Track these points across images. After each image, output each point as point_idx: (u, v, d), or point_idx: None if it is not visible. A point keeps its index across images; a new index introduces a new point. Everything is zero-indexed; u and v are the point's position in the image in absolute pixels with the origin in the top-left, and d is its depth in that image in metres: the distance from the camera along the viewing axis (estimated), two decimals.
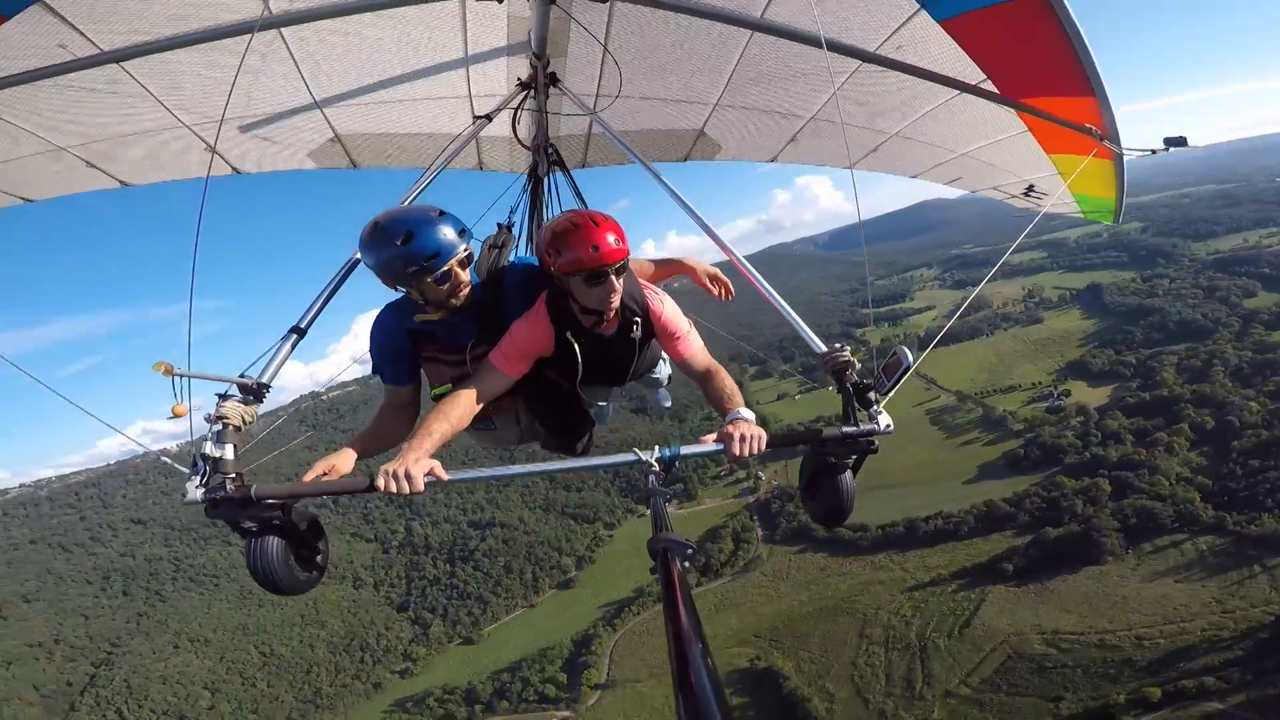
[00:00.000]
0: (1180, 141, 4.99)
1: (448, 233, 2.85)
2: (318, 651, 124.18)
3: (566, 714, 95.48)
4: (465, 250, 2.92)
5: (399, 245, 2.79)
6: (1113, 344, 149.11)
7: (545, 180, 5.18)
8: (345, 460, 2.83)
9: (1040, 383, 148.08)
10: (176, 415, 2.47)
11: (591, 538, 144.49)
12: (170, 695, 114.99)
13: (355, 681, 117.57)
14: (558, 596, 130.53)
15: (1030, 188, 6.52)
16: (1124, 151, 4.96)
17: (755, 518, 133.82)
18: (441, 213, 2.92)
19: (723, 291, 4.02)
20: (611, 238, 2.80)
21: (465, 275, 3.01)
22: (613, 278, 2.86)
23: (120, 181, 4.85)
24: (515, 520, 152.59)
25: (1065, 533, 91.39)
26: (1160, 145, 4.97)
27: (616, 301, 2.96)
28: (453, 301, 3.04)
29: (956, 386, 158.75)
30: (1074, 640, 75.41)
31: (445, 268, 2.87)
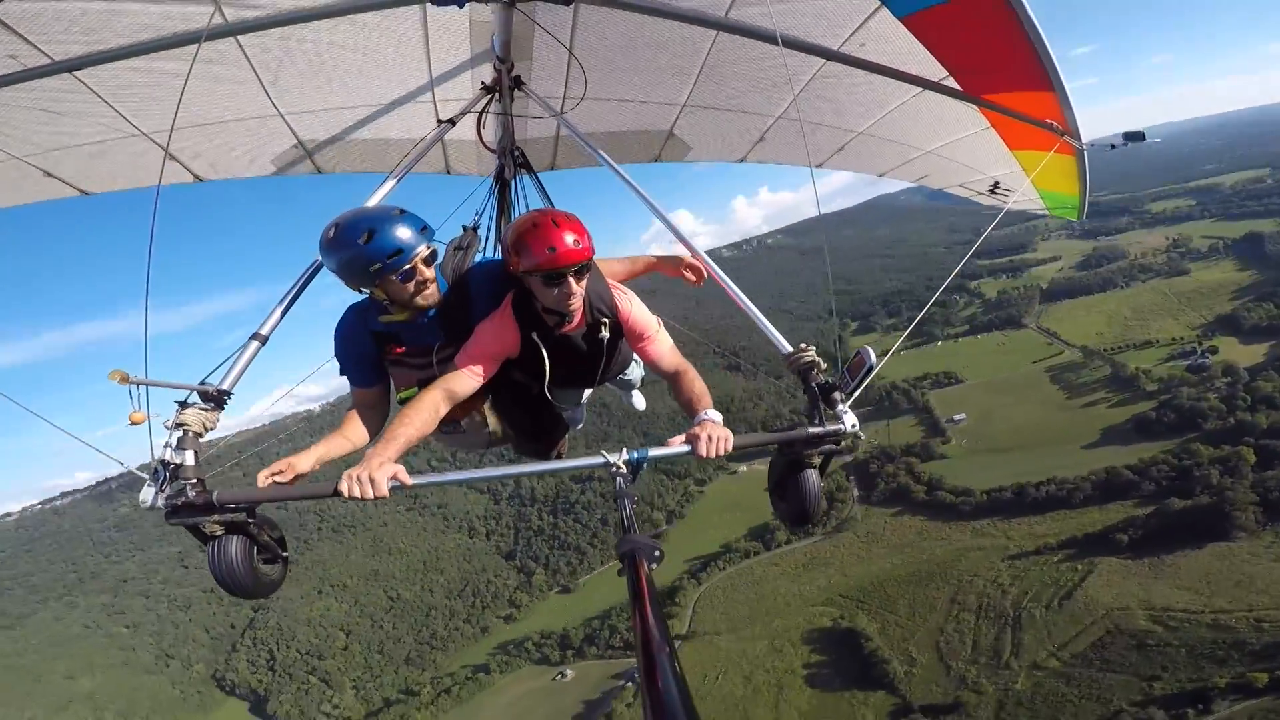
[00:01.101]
0: (1139, 136, 5.23)
1: (409, 230, 2.94)
2: (435, 596, 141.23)
3: None
4: (428, 248, 3.02)
5: (360, 244, 2.87)
6: (1272, 297, 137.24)
7: (512, 183, 5.28)
8: (304, 461, 2.93)
9: (1181, 339, 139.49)
10: (134, 423, 2.51)
11: (682, 493, 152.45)
12: (312, 637, 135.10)
13: (466, 625, 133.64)
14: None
15: (995, 184, 6.73)
16: (1084, 148, 5.16)
17: (851, 478, 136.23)
18: (402, 211, 3.01)
19: (697, 277, 4.07)
20: (571, 238, 2.86)
21: (430, 273, 3.07)
22: (570, 279, 2.92)
23: (80, 190, 5.00)
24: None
25: (1193, 505, 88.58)
26: (1119, 140, 5.20)
27: (576, 304, 3.04)
28: (418, 300, 3.12)
29: (1082, 341, 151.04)
30: (1184, 618, 74.59)
31: (409, 264, 2.94)
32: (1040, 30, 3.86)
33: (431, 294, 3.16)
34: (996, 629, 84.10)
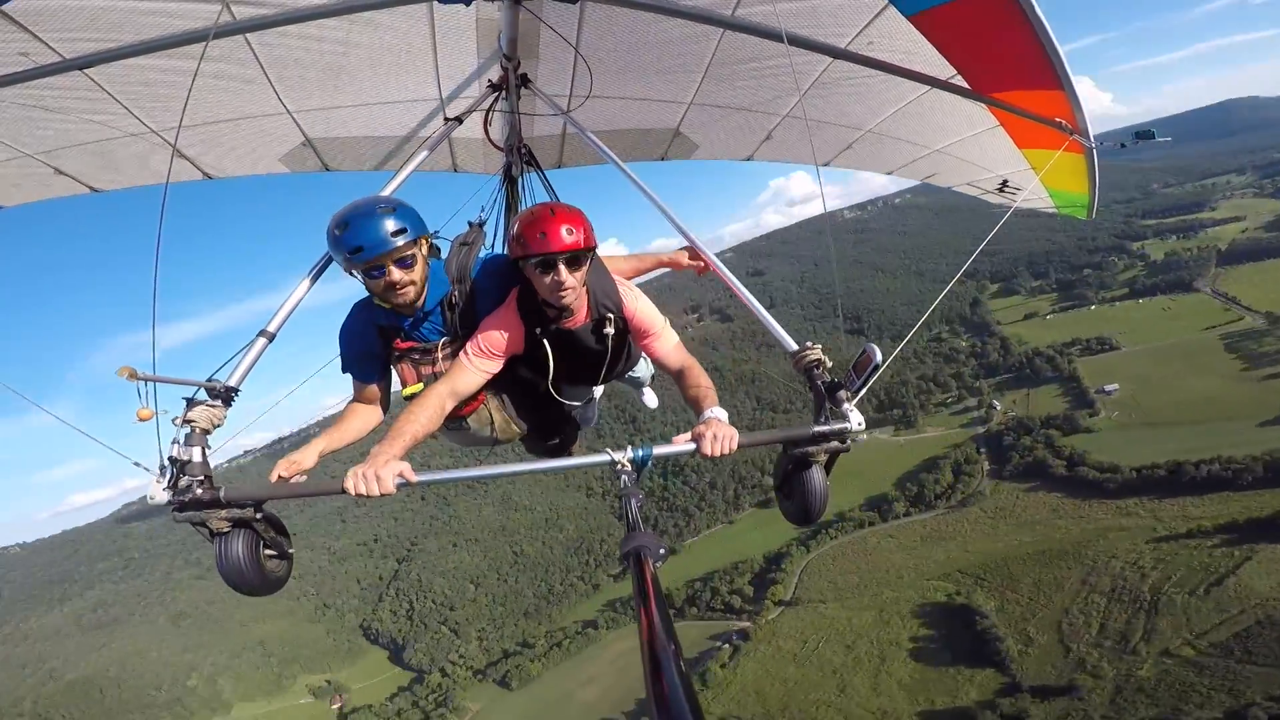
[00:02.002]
0: (1148, 134, 5.36)
1: (384, 227, 2.95)
2: (555, 552, 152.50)
3: (746, 624, 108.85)
4: (402, 249, 3.02)
5: (336, 235, 2.99)
6: None
7: (520, 181, 5.37)
8: (309, 456, 3.09)
9: None
10: (142, 419, 2.62)
11: None
12: (447, 589, 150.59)
13: (579, 582, 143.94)
14: (756, 514, 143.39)
15: (1004, 183, 6.82)
16: (1093, 146, 5.23)
17: (982, 450, 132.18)
18: (394, 207, 3.06)
19: (701, 265, 4.27)
20: (565, 229, 2.95)
21: (401, 275, 3.08)
22: (562, 267, 3.00)
23: (90, 187, 5.19)
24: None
25: None
26: (1129, 139, 5.34)
27: (568, 295, 3.10)
28: (392, 299, 3.16)
29: (1267, 307, 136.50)
30: None
31: (373, 263, 2.99)
32: (1049, 28, 3.95)
33: (404, 296, 3.16)
34: (1129, 613, 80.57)
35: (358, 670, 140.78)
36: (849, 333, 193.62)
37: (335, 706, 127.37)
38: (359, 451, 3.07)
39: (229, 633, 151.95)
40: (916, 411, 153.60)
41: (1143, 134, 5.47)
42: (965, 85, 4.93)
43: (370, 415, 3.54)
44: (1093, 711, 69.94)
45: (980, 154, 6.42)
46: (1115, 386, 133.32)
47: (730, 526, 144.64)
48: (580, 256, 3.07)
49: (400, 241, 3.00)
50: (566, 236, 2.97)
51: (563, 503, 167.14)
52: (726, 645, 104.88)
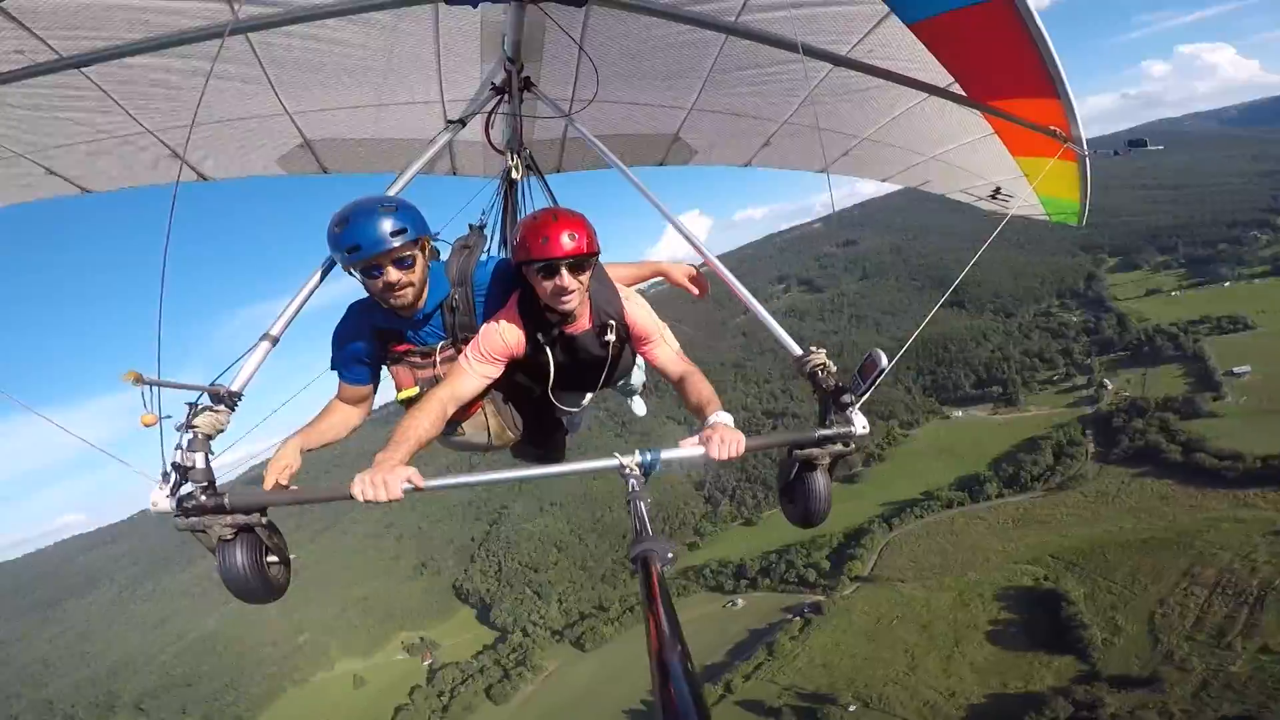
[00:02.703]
0: (1140, 143, 5.64)
1: (383, 226, 2.98)
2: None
3: (820, 598, 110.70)
4: (400, 249, 3.05)
5: (335, 233, 3.02)
6: None
7: (520, 185, 5.44)
8: (293, 455, 3.18)
9: None
10: (146, 424, 2.63)
11: (885, 435, 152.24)
12: (532, 551, 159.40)
13: None
14: (839, 489, 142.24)
15: (997, 190, 7.02)
16: (1086, 154, 5.43)
17: (1088, 431, 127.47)
18: (395, 206, 3.11)
19: (700, 290, 4.45)
20: (568, 234, 3.01)
21: (402, 275, 3.12)
22: (564, 272, 3.05)
23: (82, 188, 5.25)
24: (807, 412, 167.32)
25: None
26: (1123, 147, 5.59)
27: (570, 301, 3.16)
28: (390, 299, 3.19)
29: None
30: None
31: (371, 262, 3.03)
32: (1047, 37, 4.05)
33: (402, 297, 3.20)
34: (1230, 606, 77.14)
35: (448, 628, 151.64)
36: (948, 305, 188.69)
37: (426, 663, 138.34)
38: (337, 452, 3.19)
39: (335, 591, 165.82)
40: (1018, 389, 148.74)
41: (1135, 142, 5.70)
42: (962, 93, 5.09)
43: (349, 418, 3.61)
44: (1172, 705, 68.20)
45: (975, 161, 6.60)
46: (1247, 369, 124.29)
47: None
48: (583, 262, 3.13)
49: (398, 241, 3.03)
50: (569, 242, 3.02)
51: None
52: (798, 618, 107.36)
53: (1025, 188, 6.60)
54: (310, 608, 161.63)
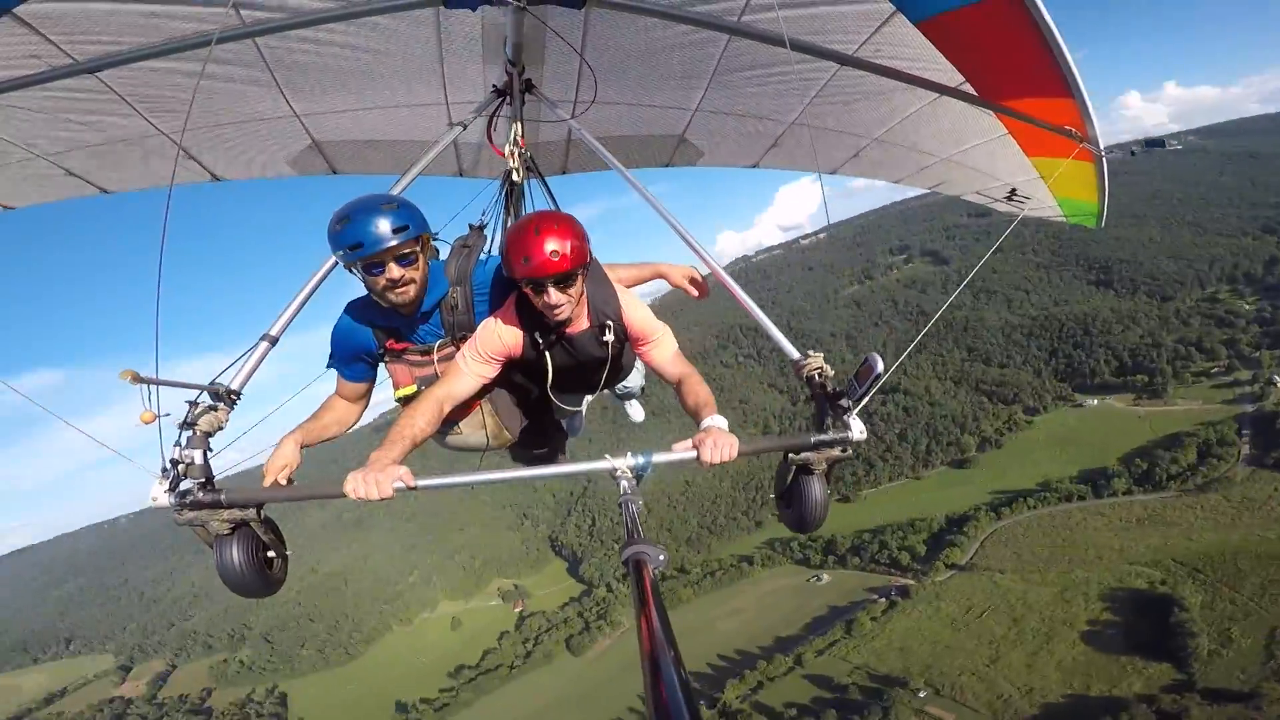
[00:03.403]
0: (1159, 143, 12.67)
1: (385, 223, 3.09)
2: (723, 485, 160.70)
3: (908, 582, 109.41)
4: (401, 246, 3.15)
5: (335, 231, 3.11)
6: None
7: (522, 186, 5.47)
8: (292, 452, 3.32)
9: None
10: (145, 422, 2.72)
11: (1005, 420, 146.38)
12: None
13: (743, 517, 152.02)
14: (947, 474, 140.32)
15: (1013, 192, 7.06)
16: (1103, 154, 5.44)
17: (1245, 431, 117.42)
18: (396, 204, 3.20)
19: (700, 291, 4.47)
20: (552, 247, 3.00)
21: (401, 272, 3.21)
22: (550, 289, 3.10)
23: (100, 189, 5.57)
24: (921, 389, 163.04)
25: None
26: (1139, 146, 10.42)
27: (560, 312, 3.21)
28: (391, 297, 3.28)
29: None
30: None
31: (373, 259, 3.12)
32: (1059, 36, 4.06)
33: (405, 294, 3.29)
34: None
35: (540, 578, 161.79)
36: (1092, 284, 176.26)
37: (516, 610, 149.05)
38: (335, 447, 3.16)
39: (443, 536, 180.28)
40: (1168, 380, 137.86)
41: (1153, 142, 8.95)
42: (973, 93, 5.07)
43: (348, 414, 3.76)
44: None
45: (988, 162, 6.59)
46: None
47: (916, 482, 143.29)
48: (569, 276, 3.12)
49: (400, 238, 3.13)
50: (551, 259, 3.01)
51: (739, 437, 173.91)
52: (883, 599, 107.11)
53: (1042, 189, 6.67)
54: (420, 551, 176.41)
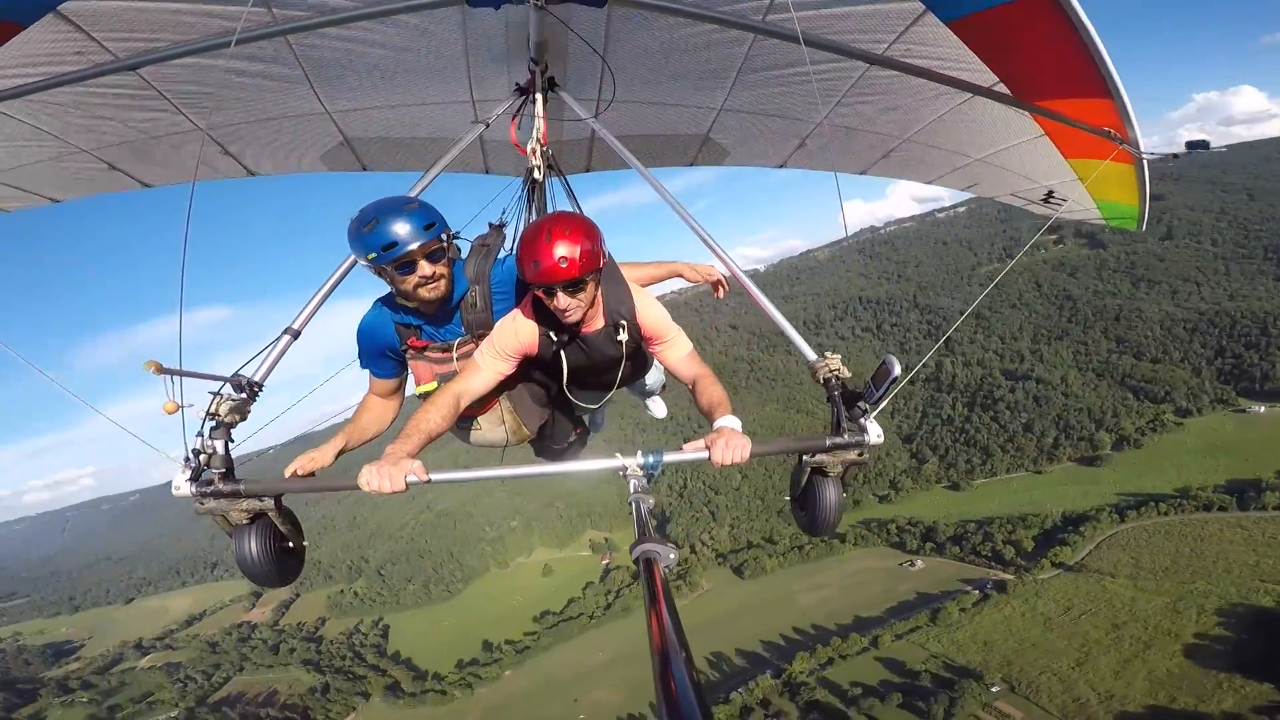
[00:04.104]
0: (1203, 145, 5.70)
1: (409, 224, 3.25)
2: None
3: (1008, 577, 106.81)
4: (431, 243, 3.31)
5: (363, 233, 3.24)
6: None
7: (543, 185, 5.63)
8: (328, 455, 3.43)
9: None
10: (168, 412, 2.85)
11: (1150, 419, 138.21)
12: (716, 473, 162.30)
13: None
14: (1073, 470, 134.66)
15: (1049, 194, 7.09)
16: (1143, 156, 5.44)
17: None
18: (416, 205, 3.36)
19: (719, 289, 4.65)
20: (561, 253, 3.07)
21: (432, 269, 3.37)
22: (560, 294, 3.19)
23: (141, 183, 5.87)
24: (1057, 379, 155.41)
25: None
26: (1181, 149, 5.65)
27: (571, 316, 3.31)
28: (422, 293, 3.44)
29: None
30: None
31: (403, 257, 3.27)
32: (1096, 37, 4.10)
33: (436, 290, 3.46)
34: None
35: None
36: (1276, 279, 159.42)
37: (604, 562, 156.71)
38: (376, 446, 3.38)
39: (547, 484, 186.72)
40: None
41: (1195, 144, 5.74)
42: (1008, 93, 5.09)
43: (385, 412, 3.99)
44: None
45: (1025, 164, 6.63)
46: None
47: (1036, 476, 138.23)
48: (579, 282, 3.20)
49: (430, 235, 3.31)
50: (560, 265, 3.08)
51: None
52: (976, 591, 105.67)
53: (1079, 191, 6.65)
54: (525, 497, 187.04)
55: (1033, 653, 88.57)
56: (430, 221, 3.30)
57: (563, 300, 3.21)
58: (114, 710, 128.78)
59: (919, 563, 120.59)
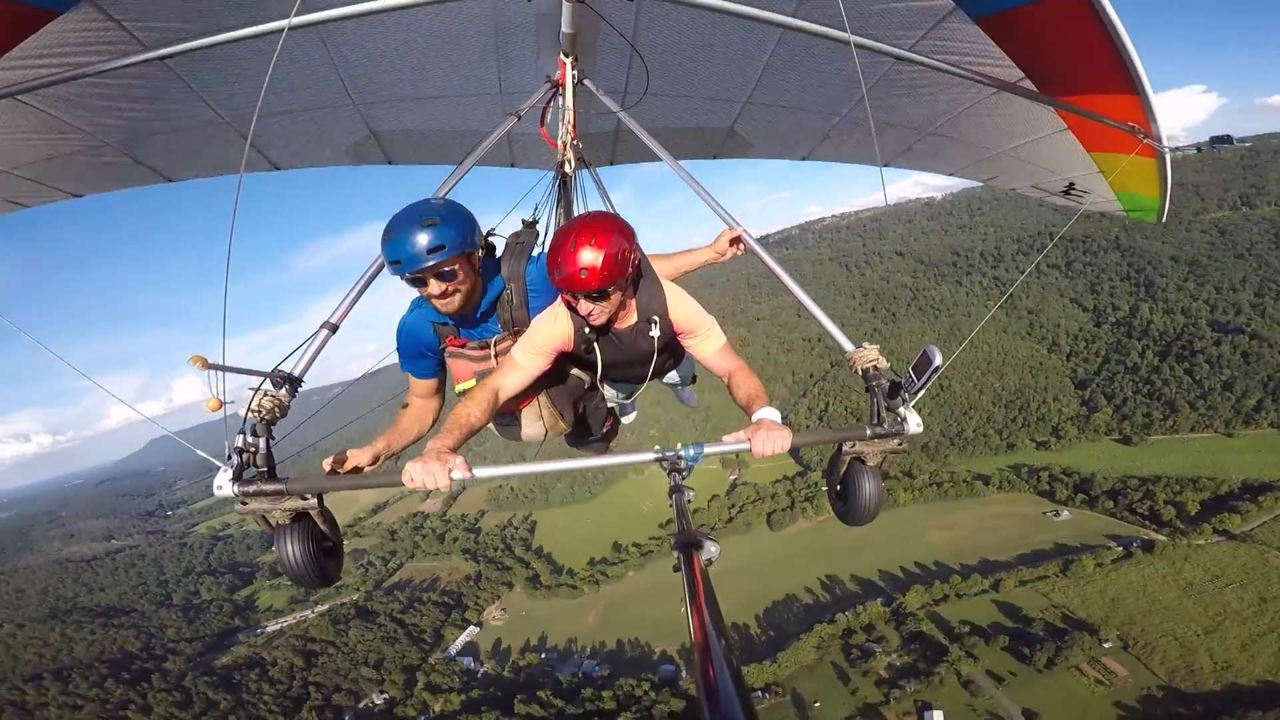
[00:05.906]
0: (1226, 139, 6.00)
1: (420, 243, 3.39)
2: (982, 398, 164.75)
3: (1160, 538, 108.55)
4: (441, 265, 3.50)
5: (384, 240, 3.47)
6: None
7: (573, 178, 6.04)
8: (365, 457, 3.67)
9: None
10: (211, 410, 3.00)
11: None
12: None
13: (994, 435, 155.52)
14: (1270, 437, 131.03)
15: (1070, 186, 7.60)
16: (1167, 150, 5.85)
17: None
18: (437, 221, 3.47)
19: (737, 245, 4.81)
20: (585, 262, 3.31)
21: (443, 287, 3.61)
22: (583, 301, 3.47)
23: (165, 177, 6.14)
24: (1277, 338, 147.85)
25: None
26: (1205, 143, 5.93)
27: (598, 320, 3.61)
28: (436, 305, 3.73)
29: None
30: None
31: (414, 274, 3.51)
32: (1123, 33, 4.42)
33: (450, 304, 3.71)
34: None
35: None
36: None
37: (732, 477, 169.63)
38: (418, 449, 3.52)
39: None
40: None
41: (1220, 138, 6.23)
42: (1033, 88, 5.49)
43: (426, 412, 4.35)
44: None
45: (1047, 157, 7.09)
46: None
47: (1224, 439, 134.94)
48: (598, 292, 3.44)
49: (435, 259, 3.43)
50: (580, 275, 3.34)
51: (1015, 350, 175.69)
52: (1120, 548, 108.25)
53: (1101, 184, 7.16)
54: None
55: (1161, 615, 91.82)
56: (439, 244, 3.43)
57: (584, 306, 3.54)
58: (309, 591, 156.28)
59: (1065, 513, 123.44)
